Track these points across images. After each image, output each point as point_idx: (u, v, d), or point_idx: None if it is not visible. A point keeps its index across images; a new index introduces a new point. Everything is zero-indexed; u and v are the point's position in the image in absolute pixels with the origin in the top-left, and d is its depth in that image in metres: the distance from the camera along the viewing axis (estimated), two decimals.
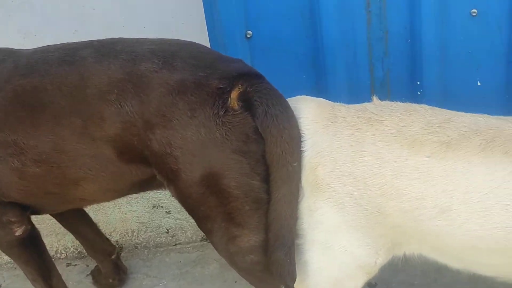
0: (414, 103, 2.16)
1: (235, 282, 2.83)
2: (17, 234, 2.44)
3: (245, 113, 2.06)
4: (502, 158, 1.92)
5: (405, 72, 3.02)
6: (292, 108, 2.13)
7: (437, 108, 2.12)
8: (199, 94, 2.07)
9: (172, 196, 2.24)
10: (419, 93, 3.00)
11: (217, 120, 2.05)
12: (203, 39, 2.98)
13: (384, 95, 2.99)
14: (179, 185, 2.14)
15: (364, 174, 2.00)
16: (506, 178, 1.90)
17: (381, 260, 2.11)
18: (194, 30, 3.14)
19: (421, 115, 2.05)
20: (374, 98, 2.14)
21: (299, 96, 2.23)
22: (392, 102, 2.13)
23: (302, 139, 2.09)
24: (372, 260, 2.10)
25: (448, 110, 2.11)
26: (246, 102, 2.07)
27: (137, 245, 3.21)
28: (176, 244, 3.09)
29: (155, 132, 2.08)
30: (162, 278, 3.04)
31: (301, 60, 3.00)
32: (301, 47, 2.97)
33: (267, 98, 2.09)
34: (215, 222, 2.19)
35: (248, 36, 2.91)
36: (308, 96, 2.23)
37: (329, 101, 2.20)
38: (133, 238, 3.21)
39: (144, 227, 3.22)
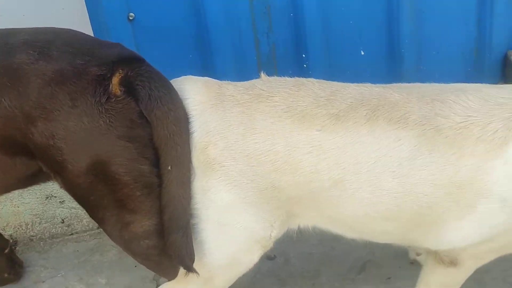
0: (301, 76, 2.18)
1: (135, 266, 2.81)
2: None
3: (128, 98, 2.02)
4: (386, 127, 1.97)
5: (291, 46, 3.06)
6: (178, 89, 2.11)
7: (324, 81, 2.15)
8: (79, 83, 2.01)
9: (61, 188, 2.20)
10: (305, 65, 3.05)
11: (99, 108, 2.00)
12: (85, 24, 2.92)
13: (271, 70, 3.02)
14: (66, 176, 2.10)
15: (257, 151, 2.02)
16: (391, 146, 1.96)
17: (276, 233, 2.15)
18: (75, 16, 3.06)
19: (310, 89, 2.08)
20: (262, 75, 2.15)
21: (184, 77, 2.20)
22: (281, 77, 2.14)
23: (190, 119, 2.08)
24: (267, 233, 2.13)
25: (335, 82, 2.15)
26: (129, 87, 2.02)
27: (32, 237, 3.13)
28: (72, 234, 3.04)
29: (36, 125, 2.02)
30: (60, 269, 2.97)
31: (186, 40, 2.99)
32: (185, 26, 2.96)
33: (149, 81, 2.05)
34: (107, 210, 2.16)
35: (131, 18, 2.86)
36: (193, 76, 2.21)
37: (216, 80, 2.18)
38: (28, 231, 3.12)
39: (38, 218, 3.14)
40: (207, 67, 2.98)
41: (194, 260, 2.11)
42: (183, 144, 2.04)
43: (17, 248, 3.05)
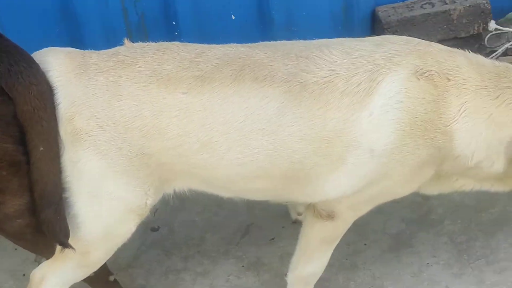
0: None
1: (15, 249, 2.74)
2: None
3: None
4: (253, 85, 1.99)
5: (160, 14, 3.02)
6: (40, 61, 2.05)
7: (189, 43, 2.14)
8: None
9: None
10: (176, 33, 3.01)
11: None
12: None
13: (142, 39, 2.85)
14: None
15: (123, 117, 2.00)
16: (258, 104, 1.98)
17: (151, 200, 2.13)
18: None
19: (174, 52, 2.07)
20: (126, 41, 2.13)
21: (46, 49, 2.14)
22: (145, 43, 2.12)
23: (54, 92, 2.03)
24: (142, 201, 2.11)
25: (200, 44, 2.15)
26: None
27: None
28: None
29: None
30: None
31: (51, 13, 2.90)
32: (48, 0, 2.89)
33: (8, 56, 1.98)
34: None
35: None
36: (55, 47, 2.14)
37: (79, 50, 2.14)
38: None
39: None
40: (76, 40, 2.90)
41: (69, 236, 2.07)
42: (49, 119, 1.99)
43: None
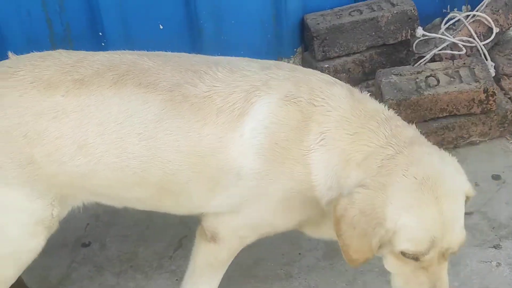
0: None
1: None
2: None
3: None
4: (135, 90, 2.00)
5: (86, 25, 2.98)
6: None
7: (73, 50, 2.17)
8: None
9: None
10: (103, 44, 2.96)
11: None
12: None
13: None
14: None
15: (9, 127, 1.98)
16: (140, 108, 1.98)
17: (57, 211, 2.11)
18: None
19: (56, 59, 2.09)
20: (10, 54, 2.14)
21: None
22: (30, 53, 2.14)
23: None
24: (48, 212, 2.09)
25: (84, 51, 2.16)
26: None
27: None
28: None
29: None
30: None
31: None
32: None
33: None
34: None
35: None
36: None
37: None
38: None
39: None
40: None
41: None
42: None
43: None
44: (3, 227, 2.07)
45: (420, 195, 1.84)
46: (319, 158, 1.96)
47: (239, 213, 2.08)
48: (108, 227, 2.86)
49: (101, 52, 2.14)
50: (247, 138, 1.96)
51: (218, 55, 3.09)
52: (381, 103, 2.11)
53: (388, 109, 2.07)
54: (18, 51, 2.76)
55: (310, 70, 2.18)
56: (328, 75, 2.16)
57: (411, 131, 2.02)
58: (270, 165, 1.97)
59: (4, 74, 2.05)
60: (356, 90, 2.11)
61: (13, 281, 2.20)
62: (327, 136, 1.96)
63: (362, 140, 1.96)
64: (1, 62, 2.11)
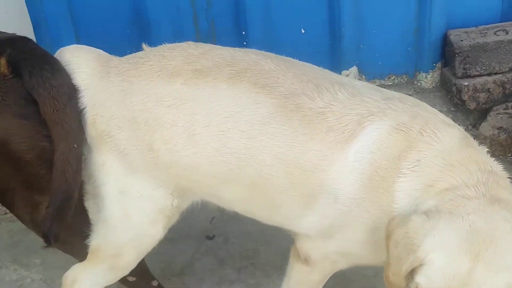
0: None
1: None
2: None
3: (17, 77, 2.06)
4: (250, 88, 1.98)
5: (230, 23, 3.06)
6: (69, 61, 2.12)
7: (202, 43, 2.18)
8: None
9: None
10: (245, 43, 3.03)
11: None
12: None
13: None
14: None
15: (134, 113, 2.04)
16: (249, 106, 1.97)
17: (177, 202, 2.14)
18: None
19: (183, 50, 2.11)
20: (144, 46, 2.19)
21: (76, 46, 2.22)
22: (161, 45, 2.17)
23: (79, 94, 2.10)
24: (168, 202, 2.13)
25: (212, 45, 2.18)
26: (15, 66, 2.07)
27: None
28: (6, 213, 2.96)
29: None
30: None
31: (123, 15, 2.97)
32: (123, 1, 2.94)
33: (31, 59, 2.09)
34: (15, 193, 2.17)
35: None
36: (86, 47, 2.21)
37: (106, 54, 2.20)
38: None
39: None
40: (145, 42, 2.94)
41: (56, 239, 2.11)
42: (69, 120, 2.06)
43: None
44: (128, 212, 2.14)
45: (463, 243, 1.69)
46: (405, 185, 1.87)
47: (330, 238, 2.04)
48: (233, 223, 2.92)
49: (227, 48, 2.15)
50: (350, 161, 1.91)
51: (355, 63, 3.15)
52: (495, 161, 1.96)
53: (503, 170, 1.93)
54: (163, 41, 2.93)
55: (433, 109, 2.07)
56: (449, 118, 2.05)
57: (508, 195, 1.85)
58: (366, 193, 1.91)
59: (135, 64, 2.11)
60: (473, 140, 2.00)
61: (133, 266, 2.28)
62: (421, 162, 1.87)
63: (453, 172, 1.84)
64: (136, 53, 2.18)
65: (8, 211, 2.53)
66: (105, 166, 2.08)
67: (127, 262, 2.24)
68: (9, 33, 2.18)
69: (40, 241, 2.84)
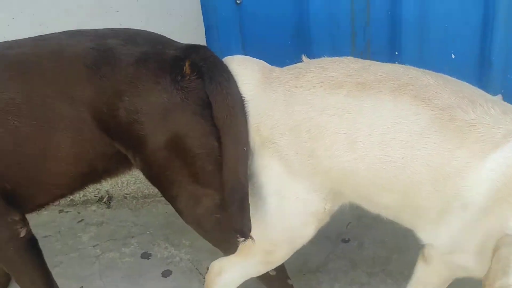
0: None
1: None
2: (21, 235, 2.41)
3: (198, 79, 2.27)
4: (410, 100, 2.10)
5: (385, 42, 3.18)
6: (236, 71, 2.32)
7: (361, 59, 2.32)
8: (160, 62, 2.29)
9: (136, 168, 2.42)
10: (396, 62, 3.16)
11: (176, 85, 2.25)
12: (195, 4, 3.16)
13: None
14: (145, 152, 2.31)
15: (296, 122, 2.17)
16: (409, 118, 2.09)
17: (329, 206, 2.27)
18: None
19: (344, 63, 2.25)
20: (304, 57, 2.35)
21: (241, 57, 2.42)
22: (320, 58, 2.33)
23: (245, 103, 2.27)
24: (321, 206, 2.26)
25: (371, 60, 2.32)
26: (198, 70, 2.28)
27: (126, 195, 3.41)
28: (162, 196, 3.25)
29: (123, 99, 2.25)
30: (149, 227, 3.26)
31: (287, 27, 3.12)
32: (288, 14, 3.09)
33: (212, 66, 2.30)
34: (181, 186, 2.36)
35: (238, 2, 3.02)
36: (250, 58, 2.41)
37: (268, 65, 2.39)
38: (123, 188, 3.40)
39: (133, 178, 3.40)
40: (303, 54, 3.12)
41: (250, 229, 2.28)
42: (239, 125, 2.25)
43: (111, 203, 3.33)
44: (284, 213, 2.29)
45: None
46: None
47: (452, 247, 2.15)
48: (368, 229, 3.11)
49: (387, 64, 2.29)
50: (486, 170, 2.01)
51: (501, 91, 3.20)
52: None
53: None
54: (321, 55, 3.12)
55: None
56: None
57: None
58: (492, 204, 2.00)
59: (296, 74, 2.26)
60: None
61: (282, 261, 2.45)
62: None
63: None
64: (296, 64, 2.34)
65: None
66: (266, 169, 2.25)
67: (278, 258, 2.42)
68: (189, 44, 2.41)
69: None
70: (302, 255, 2.83)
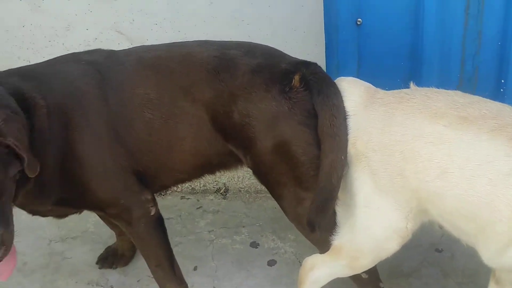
0: (496, 99, 2.43)
1: None
2: (152, 213, 2.67)
3: (305, 92, 2.50)
4: (506, 142, 2.14)
5: (492, 70, 3.34)
6: (344, 88, 2.48)
7: (467, 94, 2.36)
8: (272, 73, 2.55)
9: (247, 166, 2.68)
10: (502, 90, 3.33)
11: (284, 95, 2.49)
12: (318, 22, 3.44)
13: (470, 89, 3.34)
14: (254, 153, 2.57)
15: (390, 141, 2.28)
16: (500, 158, 2.13)
17: (411, 225, 2.37)
18: (312, 12, 3.65)
19: (449, 96, 2.32)
20: (411, 84, 2.49)
21: (350, 78, 2.61)
22: (427, 88, 2.41)
23: (348, 117, 2.41)
24: (402, 224, 2.36)
25: (478, 97, 2.35)
26: (306, 84, 2.51)
27: (241, 189, 3.71)
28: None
29: (237, 103, 2.53)
30: (259, 220, 3.54)
31: (401, 49, 3.33)
32: (403, 37, 3.30)
33: (321, 81, 2.52)
34: (286, 188, 2.55)
35: (358, 23, 3.26)
36: (358, 80, 2.59)
37: (373, 87, 2.51)
38: (238, 182, 3.72)
39: (248, 174, 3.70)
40: (414, 76, 3.30)
41: (319, 227, 2.45)
42: (341, 135, 2.39)
43: (227, 195, 3.66)
44: (370, 225, 2.41)
45: None
46: None
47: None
48: (460, 242, 3.20)
49: (495, 102, 2.35)
50: None
51: None
52: None
53: None
54: (430, 77, 3.33)
55: None
56: None
57: None
58: None
59: (400, 98, 2.36)
60: None
61: (366, 268, 2.59)
62: None
63: None
64: (402, 89, 2.48)
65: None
66: (357, 181, 2.38)
67: (362, 265, 2.55)
68: (301, 59, 2.65)
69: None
70: (395, 259, 2.93)
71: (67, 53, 2.78)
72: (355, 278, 2.74)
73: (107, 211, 2.58)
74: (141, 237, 2.72)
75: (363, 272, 2.67)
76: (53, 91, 2.51)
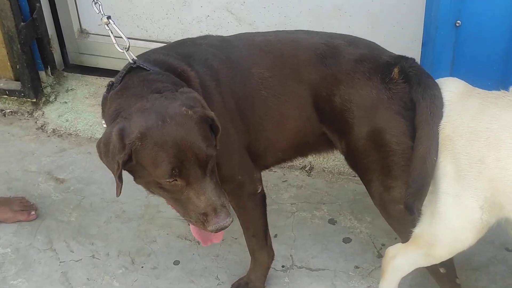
0: None
1: None
2: (259, 190, 2.82)
3: (403, 84, 2.61)
4: None
5: None
6: (444, 84, 2.55)
7: None
8: (374, 63, 2.68)
9: (339, 151, 2.81)
10: None
11: (385, 85, 2.62)
12: (418, 21, 3.63)
13: None
14: (349, 138, 2.69)
15: (478, 127, 2.35)
16: None
17: (486, 217, 2.39)
18: (412, 10, 3.81)
19: None
20: (511, 88, 2.49)
21: (452, 78, 2.69)
22: None
23: (444, 106, 2.47)
24: (477, 214, 2.39)
25: None
26: (405, 77, 2.62)
27: (324, 169, 3.89)
28: (355, 176, 3.28)
29: (340, 88, 2.67)
30: (339, 199, 3.70)
31: (495, 53, 3.41)
32: (499, 42, 3.38)
33: (420, 72, 2.63)
34: (375, 174, 2.62)
35: (457, 25, 3.37)
36: (459, 80, 2.66)
37: (473, 87, 2.57)
38: (323, 162, 3.89)
39: (333, 156, 3.50)
40: (505, 81, 3.32)
41: (418, 212, 2.50)
42: (437, 124, 2.45)
43: (312, 173, 3.88)
44: (449, 212, 2.45)
45: None
46: None
47: None
48: None
49: None
50: None
51: None
52: None
53: None
54: None
55: None
56: None
57: None
58: None
59: (497, 95, 2.47)
60: None
61: (443, 259, 2.63)
62: None
63: None
64: (503, 90, 2.52)
65: (356, 175, 3.04)
66: (441, 166, 2.42)
67: (439, 254, 2.59)
68: (400, 54, 2.77)
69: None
70: (467, 253, 2.95)
71: (182, 39, 2.97)
72: (433, 272, 2.82)
73: (223, 186, 2.60)
74: (246, 211, 2.88)
75: (441, 266, 2.74)
76: (194, 68, 2.68)
